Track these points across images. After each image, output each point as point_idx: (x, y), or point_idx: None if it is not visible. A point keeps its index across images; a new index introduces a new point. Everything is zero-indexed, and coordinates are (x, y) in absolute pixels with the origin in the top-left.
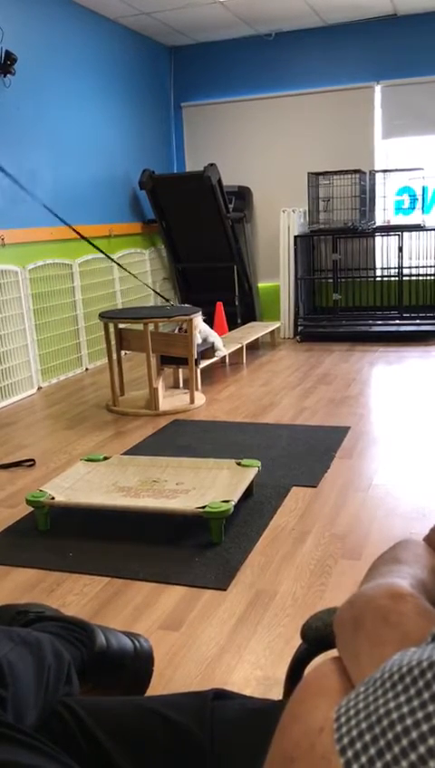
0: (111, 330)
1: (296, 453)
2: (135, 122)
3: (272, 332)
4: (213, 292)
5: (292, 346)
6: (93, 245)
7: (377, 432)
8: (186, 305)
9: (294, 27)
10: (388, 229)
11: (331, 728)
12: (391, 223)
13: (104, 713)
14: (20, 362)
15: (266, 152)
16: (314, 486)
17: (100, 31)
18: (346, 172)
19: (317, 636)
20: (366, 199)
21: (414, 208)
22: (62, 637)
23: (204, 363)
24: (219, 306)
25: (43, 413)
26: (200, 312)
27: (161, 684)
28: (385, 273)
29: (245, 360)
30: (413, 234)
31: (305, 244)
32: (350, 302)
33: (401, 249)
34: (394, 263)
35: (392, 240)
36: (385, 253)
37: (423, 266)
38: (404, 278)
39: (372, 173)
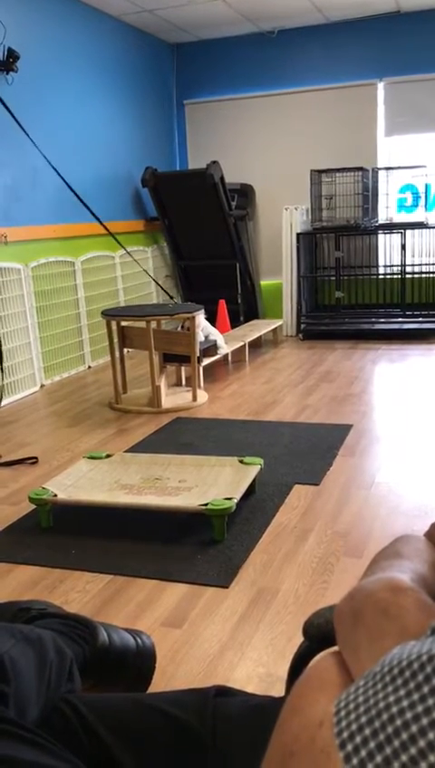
0: (114, 327)
1: (299, 451)
2: (137, 120)
3: (274, 330)
4: (215, 290)
5: (294, 344)
6: (119, 243)
7: (380, 430)
8: (188, 303)
9: (296, 24)
10: (391, 227)
11: (330, 722)
12: (394, 220)
13: (106, 709)
14: (22, 360)
15: (269, 150)
16: (317, 484)
17: (102, 28)
18: (349, 170)
19: (319, 633)
20: (369, 197)
21: (417, 206)
22: (65, 634)
23: (206, 361)
24: (222, 304)
25: (46, 411)
26: (203, 310)
27: (163, 681)
28: (388, 271)
29: (247, 358)
30: (416, 231)
31: (308, 241)
32: (352, 300)
33: (403, 247)
34: (397, 260)
35: (395, 238)
36: (388, 250)
37: (426, 264)
38: (407, 276)
39: (375, 170)
